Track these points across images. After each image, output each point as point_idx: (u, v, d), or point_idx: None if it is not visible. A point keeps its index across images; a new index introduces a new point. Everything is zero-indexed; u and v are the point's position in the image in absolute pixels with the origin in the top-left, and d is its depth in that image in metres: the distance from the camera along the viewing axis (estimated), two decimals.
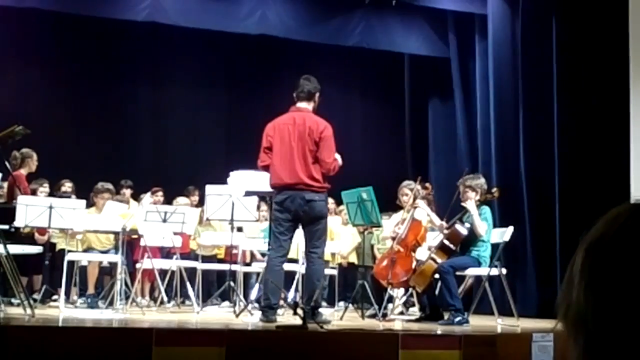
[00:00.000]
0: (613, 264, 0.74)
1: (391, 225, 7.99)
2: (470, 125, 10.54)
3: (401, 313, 8.56)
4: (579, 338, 0.76)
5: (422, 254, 7.50)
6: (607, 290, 0.73)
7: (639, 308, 0.71)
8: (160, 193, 9.91)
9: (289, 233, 6.31)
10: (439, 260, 7.04)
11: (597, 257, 0.76)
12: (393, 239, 7.61)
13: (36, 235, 8.54)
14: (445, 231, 7.24)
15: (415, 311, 8.32)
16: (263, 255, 9.08)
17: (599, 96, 8.18)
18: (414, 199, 7.71)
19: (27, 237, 8.08)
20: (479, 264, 7.08)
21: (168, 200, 9.73)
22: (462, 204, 7.24)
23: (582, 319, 0.75)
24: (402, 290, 8.47)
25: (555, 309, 0.83)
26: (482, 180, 7.39)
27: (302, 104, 6.39)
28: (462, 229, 7.14)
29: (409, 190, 7.86)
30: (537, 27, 9.08)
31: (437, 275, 7.10)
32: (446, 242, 7.15)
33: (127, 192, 9.84)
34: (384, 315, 7.35)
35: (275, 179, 6.28)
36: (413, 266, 7.31)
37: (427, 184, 8.08)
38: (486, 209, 7.22)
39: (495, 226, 7.45)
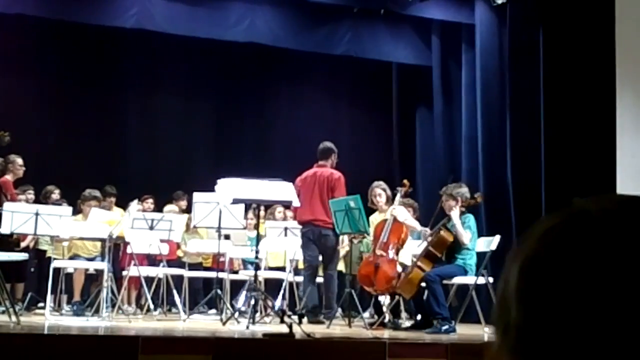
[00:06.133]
0: (551, 284, 0.71)
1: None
2: (454, 134, 10.57)
3: (389, 321, 8.54)
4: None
5: (405, 256, 7.51)
6: (546, 312, 0.71)
7: (583, 329, 0.69)
8: (150, 200, 9.87)
9: (315, 254, 7.94)
10: (426, 269, 7.04)
11: (533, 277, 0.73)
12: (374, 244, 7.61)
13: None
14: (429, 238, 7.24)
15: (403, 320, 8.31)
16: (250, 263, 9.06)
17: (586, 104, 8.22)
18: (388, 200, 7.78)
19: (11, 244, 8.00)
20: (465, 273, 7.09)
21: (158, 208, 9.68)
22: (448, 212, 7.23)
23: (522, 342, 0.74)
24: (389, 298, 8.45)
25: (491, 325, 0.82)
26: (463, 189, 7.36)
27: (322, 162, 8.08)
28: (447, 235, 7.13)
29: (381, 190, 7.94)
30: (524, 37, 9.12)
31: (423, 284, 7.10)
32: (431, 249, 7.13)
33: (111, 199, 9.72)
34: (372, 324, 7.34)
35: (300, 216, 8.02)
36: (398, 270, 7.31)
37: (405, 181, 8.01)
38: (470, 217, 7.21)
39: (482, 235, 7.45)
